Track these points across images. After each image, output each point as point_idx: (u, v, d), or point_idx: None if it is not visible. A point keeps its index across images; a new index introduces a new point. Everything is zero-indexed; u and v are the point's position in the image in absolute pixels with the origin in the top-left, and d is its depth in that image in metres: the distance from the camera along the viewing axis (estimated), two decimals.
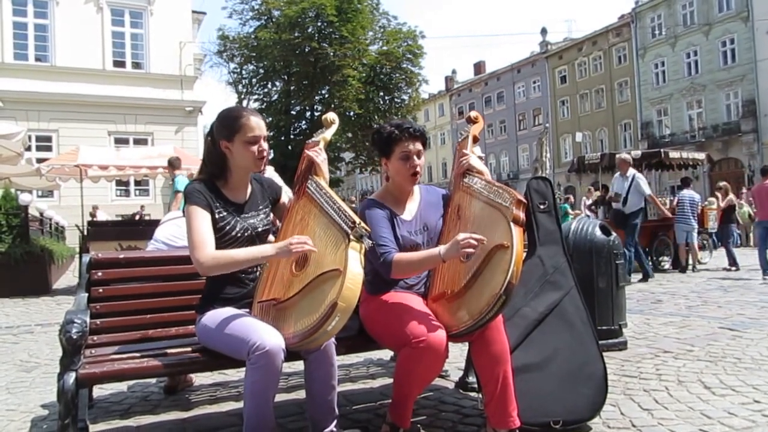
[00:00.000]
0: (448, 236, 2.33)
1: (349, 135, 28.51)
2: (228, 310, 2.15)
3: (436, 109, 54.17)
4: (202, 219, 2.10)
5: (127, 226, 11.69)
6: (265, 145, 2.21)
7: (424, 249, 2.34)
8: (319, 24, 27.00)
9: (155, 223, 4.26)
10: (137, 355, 2.26)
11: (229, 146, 2.18)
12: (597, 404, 2.43)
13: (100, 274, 2.46)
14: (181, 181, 7.45)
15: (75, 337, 2.03)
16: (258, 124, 2.19)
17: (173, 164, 8.13)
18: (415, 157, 2.33)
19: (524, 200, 2.15)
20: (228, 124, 2.18)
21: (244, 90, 29.80)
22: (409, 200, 2.44)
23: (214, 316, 2.14)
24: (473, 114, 2.67)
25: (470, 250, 2.04)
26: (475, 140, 2.57)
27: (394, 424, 2.21)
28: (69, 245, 12.92)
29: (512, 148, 46.11)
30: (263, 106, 28.41)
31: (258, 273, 2.26)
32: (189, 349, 2.30)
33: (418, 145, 2.34)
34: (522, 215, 2.10)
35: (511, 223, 2.07)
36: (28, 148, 13.64)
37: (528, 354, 2.44)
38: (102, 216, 14.26)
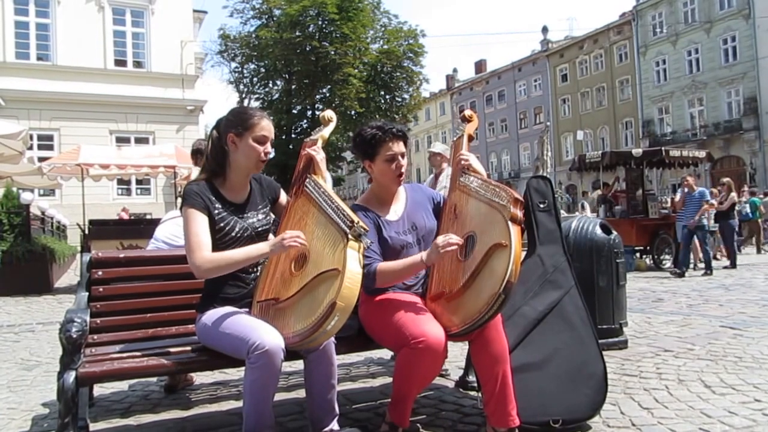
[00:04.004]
0: None
1: (351, 134, 28.46)
2: (228, 310, 2.16)
3: (437, 108, 54.14)
4: (199, 221, 2.10)
5: (128, 225, 11.69)
6: (270, 148, 2.22)
7: (415, 247, 2.36)
8: (320, 23, 26.96)
9: (156, 222, 4.26)
10: (137, 354, 2.27)
11: (236, 141, 2.18)
12: (597, 403, 2.43)
13: (100, 273, 2.47)
14: None
15: (75, 335, 2.04)
16: (269, 127, 2.21)
17: None
18: (399, 158, 2.33)
19: (521, 198, 2.15)
20: (241, 120, 2.19)
21: (245, 89, 29.80)
22: (395, 201, 2.44)
23: (214, 315, 2.14)
24: (468, 112, 2.67)
25: (451, 248, 2.07)
26: (470, 139, 2.57)
27: (393, 424, 2.21)
28: (70, 244, 12.94)
29: (513, 146, 46.04)
30: (264, 106, 28.38)
31: (258, 273, 2.26)
32: (189, 348, 2.31)
33: (402, 146, 2.34)
34: (520, 214, 2.10)
35: (509, 222, 2.07)
36: (30, 147, 13.65)
37: (528, 353, 2.44)
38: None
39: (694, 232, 9.07)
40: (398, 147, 2.33)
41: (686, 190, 9.50)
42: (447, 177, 5.71)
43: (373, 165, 2.37)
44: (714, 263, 10.24)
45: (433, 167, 6.20)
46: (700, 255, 10.14)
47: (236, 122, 2.19)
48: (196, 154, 4.82)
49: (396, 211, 2.42)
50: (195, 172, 4.71)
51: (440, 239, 2.10)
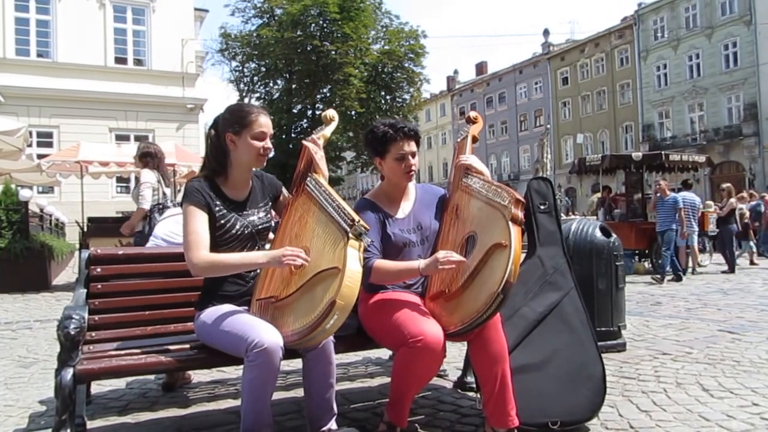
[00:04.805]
0: (447, 235, 2.34)
1: (351, 134, 28.51)
2: (227, 308, 2.15)
3: (438, 109, 54.17)
4: (199, 219, 2.10)
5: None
6: (269, 143, 2.21)
7: (418, 246, 2.37)
8: (321, 22, 26.99)
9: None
10: (136, 351, 2.26)
11: (234, 140, 2.18)
12: (595, 405, 2.43)
13: (99, 270, 2.46)
14: None
15: (73, 333, 2.03)
16: (267, 123, 2.20)
17: None
18: (409, 157, 2.34)
19: (523, 199, 2.15)
20: (238, 118, 2.18)
21: (246, 88, 29.81)
22: (404, 199, 2.45)
23: (212, 313, 2.14)
24: (473, 114, 2.68)
25: (449, 266, 2.07)
26: (474, 140, 2.58)
27: (391, 423, 2.21)
28: (69, 241, 12.92)
29: (513, 148, 46.08)
30: (265, 105, 28.38)
31: (257, 271, 2.26)
32: (187, 346, 2.30)
33: (413, 145, 2.35)
34: (520, 214, 2.10)
35: (510, 222, 2.07)
36: (29, 144, 13.64)
37: (527, 354, 2.44)
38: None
39: (665, 238, 8.74)
40: (409, 146, 2.33)
41: (659, 194, 9.12)
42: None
43: (383, 162, 2.38)
44: (704, 268, 10.23)
45: None
46: (699, 258, 10.14)
47: (233, 121, 2.18)
48: (145, 157, 4.80)
49: (404, 209, 2.42)
50: (144, 174, 4.68)
51: (441, 254, 2.10)
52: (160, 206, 4.60)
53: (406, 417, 2.22)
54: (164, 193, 4.79)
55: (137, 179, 4.78)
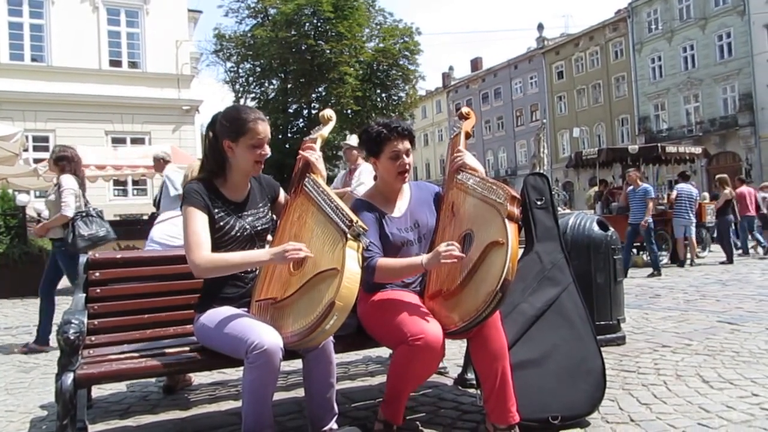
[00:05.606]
0: (443, 233, 2.34)
1: (347, 133, 28.43)
2: (226, 310, 2.15)
3: (434, 106, 54.13)
4: (199, 220, 2.10)
5: (125, 226, 11.67)
6: (267, 149, 2.21)
7: (415, 245, 2.37)
8: (315, 21, 26.95)
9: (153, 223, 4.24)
10: (135, 355, 2.27)
11: (232, 146, 2.17)
12: (595, 400, 2.44)
13: (97, 274, 2.46)
14: None
15: (72, 337, 2.04)
16: (264, 129, 2.19)
17: None
18: (404, 156, 2.34)
19: (518, 196, 2.16)
20: (236, 126, 2.16)
21: (241, 89, 29.76)
22: (399, 198, 2.46)
23: (212, 315, 2.14)
24: (465, 110, 2.68)
25: (450, 261, 2.06)
26: (468, 136, 2.58)
27: (387, 421, 2.21)
28: None
29: (510, 144, 46.08)
30: (260, 105, 28.33)
31: (256, 272, 2.26)
32: (187, 348, 2.31)
33: (407, 144, 2.36)
34: (516, 211, 2.10)
35: (506, 220, 2.07)
36: (26, 149, 13.60)
37: (526, 350, 2.44)
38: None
39: (639, 231, 8.69)
40: (403, 145, 2.35)
41: (630, 186, 8.99)
42: (369, 173, 5.01)
43: (378, 162, 2.39)
44: (702, 260, 10.25)
45: (347, 162, 5.55)
46: (698, 249, 10.15)
47: (231, 128, 2.17)
48: (61, 161, 4.69)
49: (399, 207, 2.43)
50: (66, 180, 4.60)
51: (442, 246, 2.10)
52: (83, 213, 4.57)
53: (401, 414, 2.22)
54: (86, 201, 4.74)
55: (57, 185, 4.66)
